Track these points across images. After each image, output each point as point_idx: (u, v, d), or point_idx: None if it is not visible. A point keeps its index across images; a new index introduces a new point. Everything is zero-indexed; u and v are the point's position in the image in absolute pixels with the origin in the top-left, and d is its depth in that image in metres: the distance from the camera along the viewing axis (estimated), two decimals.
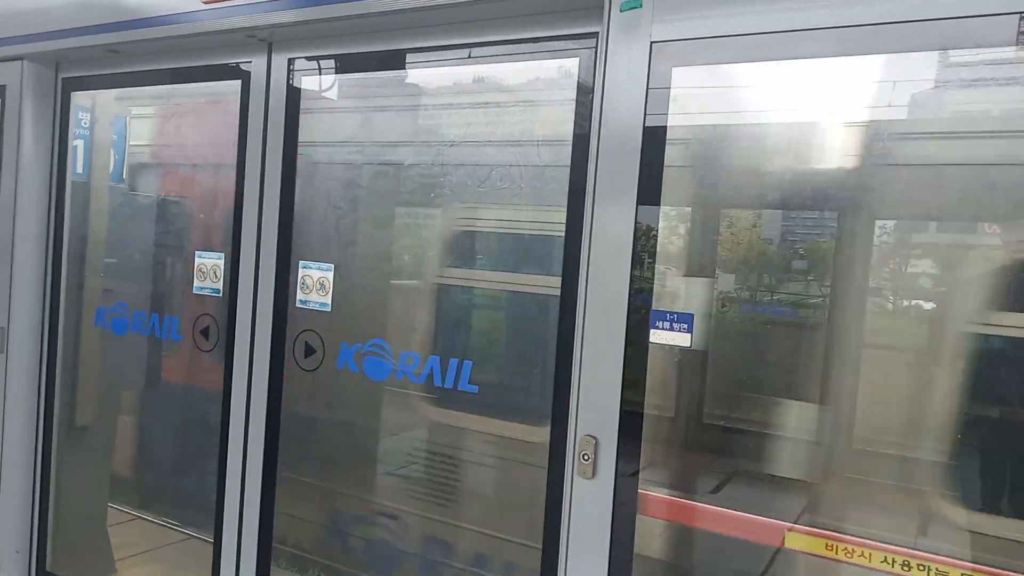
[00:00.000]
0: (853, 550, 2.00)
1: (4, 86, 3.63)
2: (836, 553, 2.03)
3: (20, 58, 3.55)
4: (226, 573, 3.07)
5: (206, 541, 3.29)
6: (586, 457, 2.19)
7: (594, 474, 2.19)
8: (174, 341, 3.40)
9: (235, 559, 3.04)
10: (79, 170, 3.72)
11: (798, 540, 2.13)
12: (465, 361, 2.63)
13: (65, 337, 3.67)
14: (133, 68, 3.39)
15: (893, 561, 1.94)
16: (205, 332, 3.22)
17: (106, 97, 3.76)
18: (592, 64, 2.28)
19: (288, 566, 3.14)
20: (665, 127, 2.11)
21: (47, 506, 3.68)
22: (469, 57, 2.58)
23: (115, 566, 3.92)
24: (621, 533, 2.18)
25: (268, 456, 2.99)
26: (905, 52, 1.88)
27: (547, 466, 2.38)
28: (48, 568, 3.68)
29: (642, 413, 2.16)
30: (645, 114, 2.12)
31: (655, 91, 2.12)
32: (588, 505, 2.21)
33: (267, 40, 2.93)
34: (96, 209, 3.78)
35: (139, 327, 3.49)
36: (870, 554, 1.96)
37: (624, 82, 2.15)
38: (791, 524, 2.16)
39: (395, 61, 2.77)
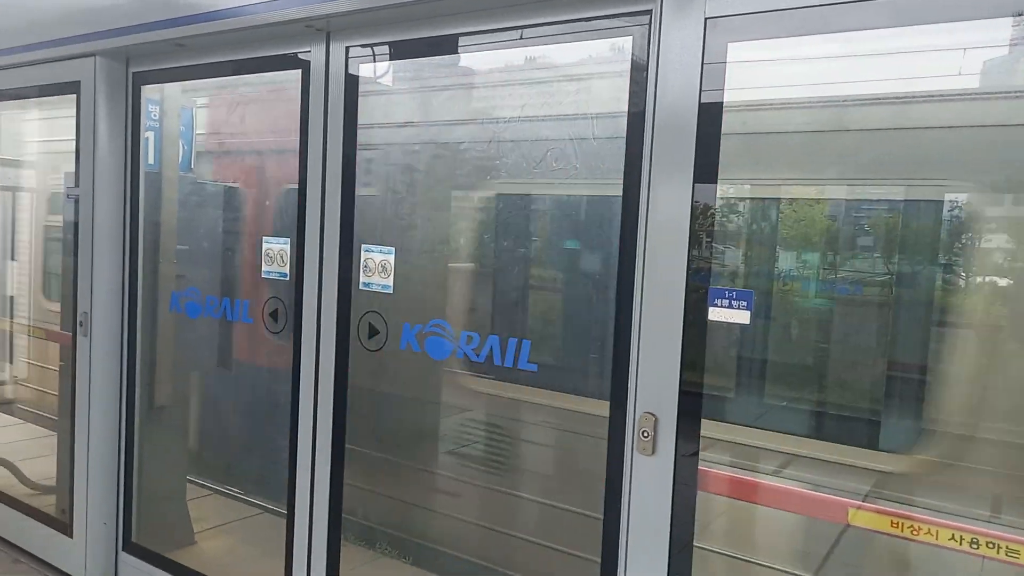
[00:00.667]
0: (919, 527, 1.98)
1: (79, 82, 3.80)
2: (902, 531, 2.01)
3: (93, 54, 3.70)
4: (299, 545, 3.20)
5: (279, 515, 3.44)
6: (645, 434, 2.21)
7: (654, 451, 2.21)
8: (246, 324, 3.53)
9: (307, 532, 3.17)
10: (151, 161, 3.88)
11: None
12: (524, 341, 2.67)
13: (143, 321, 3.86)
14: (198, 61, 3.50)
15: (961, 539, 1.91)
16: (274, 315, 3.34)
17: (173, 89, 3.90)
18: (646, 42, 2.26)
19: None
20: (721, 103, 2.09)
21: (131, 481, 3.89)
22: (521, 38, 2.59)
23: (194, 538, 4.13)
24: (682, 509, 2.20)
25: (336, 433, 3.09)
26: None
27: (607, 442, 2.40)
28: (134, 539, 3.90)
29: (702, 392, 2.16)
30: (701, 90, 2.10)
31: (710, 66, 2.10)
32: (648, 482, 2.23)
33: (324, 29, 2.98)
34: (167, 198, 3.94)
35: (211, 311, 3.64)
36: (937, 531, 1.94)
37: (679, 59, 2.14)
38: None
39: (449, 46, 2.80)
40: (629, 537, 2.29)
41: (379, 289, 3.00)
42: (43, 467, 4.51)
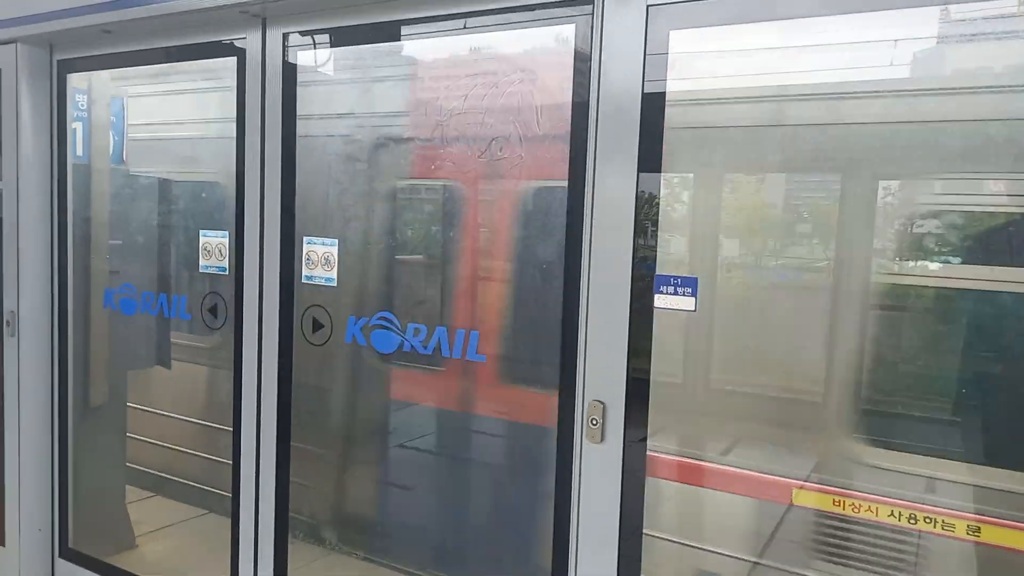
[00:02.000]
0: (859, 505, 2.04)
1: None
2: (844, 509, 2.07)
3: (14, 41, 3.52)
4: (244, 544, 3.14)
5: (223, 516, 3.36)
6: (594, 422, 2.23)
7: (603, 439, 2.23)
8: (183, 320, 3.43)
9: (253, 530, 3.11)
10: (79, 152, 3.72)
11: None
12: (472, 332, 2.66)
13: (75, 319, 3.71)
14: (127, 48, 3.37)
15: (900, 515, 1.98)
16: (213, 310, 3.25)
17: (102, 78, 3.74)
18: (589, 30, 2.26)
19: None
20: (664, 92, 2.10)
21: (67, 485, 3.75)
22: (464, 27, 2.56)
23: (135, 542, 4.01)
24: (631, 496, 2.22)
25: (281, 430, 3.03)
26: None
27: (556, 431, 2.41)
28: (71, 545, 3.76)
29: (648, 379, 2.18)
30: (644, 80, 2.11)
31: (653, 56, 2.11)
32: (597, 469, 2.25)
33: (260, 15, 2.90)
34: (98, 191, 3.79)
35: (147, 307, 3.52)
36: (876, 508, 2.00)
37: (621, 48, 2.14)
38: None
39: (389, 33, 2.76)
40: (580, 524, 2.30)
41: (323, 282, 2.95)
42: None
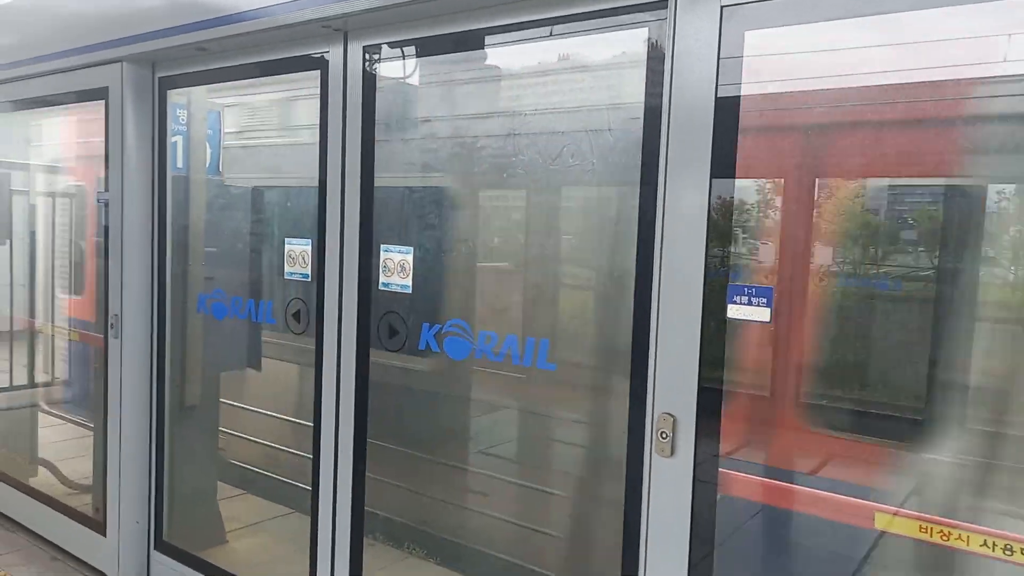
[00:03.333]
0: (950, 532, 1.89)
1: (107, 87, 3.86)
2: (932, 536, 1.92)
3: (119, 60, 3.76)
4: (323, 544, 3.21)
5: (307, 515, 3.46)
6: (664, 435, 2.16)
7: (673, 452, 2.16)
8: (269, 324, 3.56)
9: (331, 531, 3.18)
10: (178, 164, 3.93)
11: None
12: (543, 340, 2.63)
13: (172, 322, 3.91)
14: (220, 64, 3.53)
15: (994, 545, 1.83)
16: (296, 315, 3.36)
17: (200, 93, 3.94)
18: (662, 34, 2.21)
19: None
20: (738, 95, 2.03)
21: (162, 481, 3.95)
22: (535, 35, 2.55)
23: (225, 537, 4.17)
24: (702, 512, 2.14)
25: (358, 433, 3.09)
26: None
27: (627, 443, 2.36)
28: (165, 538, 3.95)
29: (722, 390, 2.10)
30: (717, 82, 2.04)
31: (727, 58, 2.04)
32: (667, 484, 2.18)
33: (342, 29, 2.98)
34: (195, 201, 3.99)
35: (236, 312, 3.67)
36: (968, 536, 1.85)
37: (695, 50, 2.08)
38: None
39: (467, 42, 2.78)
40: (649, 539, 2.24)
41: (398, 289, 2.99)
42: (81, 466, 4.61)
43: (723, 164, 2.05)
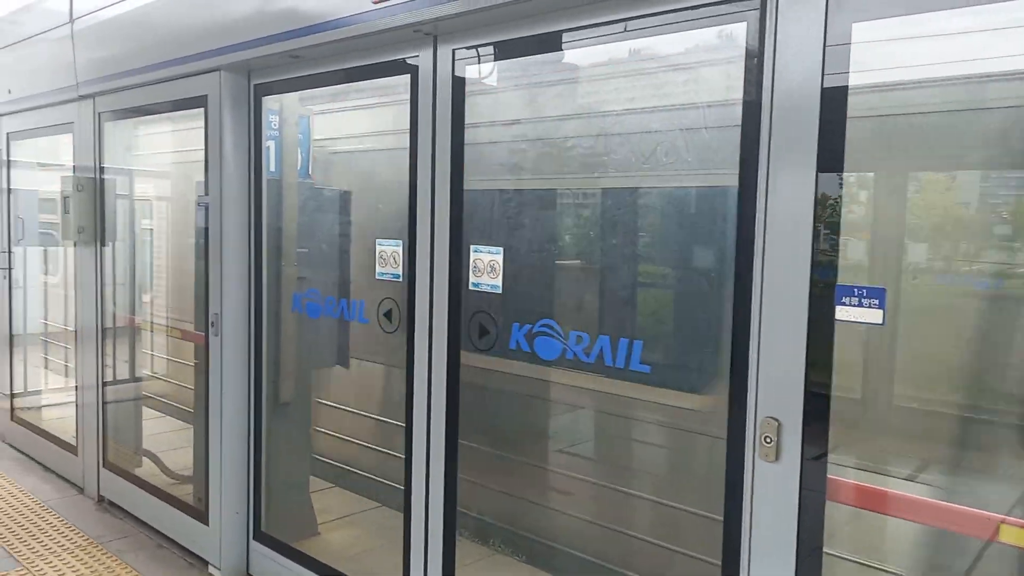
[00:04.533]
0: None
1: (205, 96, 4.03)
2: None
3: (218, 69, 3.91)
4: (416, 541, 3.27)
5: (398, 510, 3.53)
6: (768, 440, 2.11)
7: (778, 457, 2.10)
8: (361, 323, 3.65)
9: (423, 528, 3.23)
10: (272, 168, 4.06)
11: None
12: (635, 341, 2.61)
13: (268, 321, 4.05)
14: (313, 71, 3.63)
15: None
16: (388, 315, 3.43)
17: (291, 99, 4.07)
18: (761, 27, 2.15)
19: None
20: (846, 87, 1.95)
21: (260, 474, 4.10)
22: (627, 31, 2.52)
23: (318, 529, 4.31)
24: (809, 519, 2.08)
25: (450, 432, 3.13)
26: None
27: (726, 446, 2.31)
28: (263, 529, 4.11)
29: (829, 395, 2.03)
30: (823, 74, 1.97)
31: (833, 49, 1.97)
32: (771, 489, 2.12)
33: (432, 33, 3.02)
34: (288, 203, 4.12)
35: (330, 311, 3.77)
36: None
37: (798, 43, 2.01)
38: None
39: (554, 42, 2.77)
40: (752, 545, 2.19)
41: (488, 289, 3.01)
42: (182, 458, 4.84)
43: (830, 158, 1.98)
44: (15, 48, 5.81)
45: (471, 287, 3.06)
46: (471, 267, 3.04)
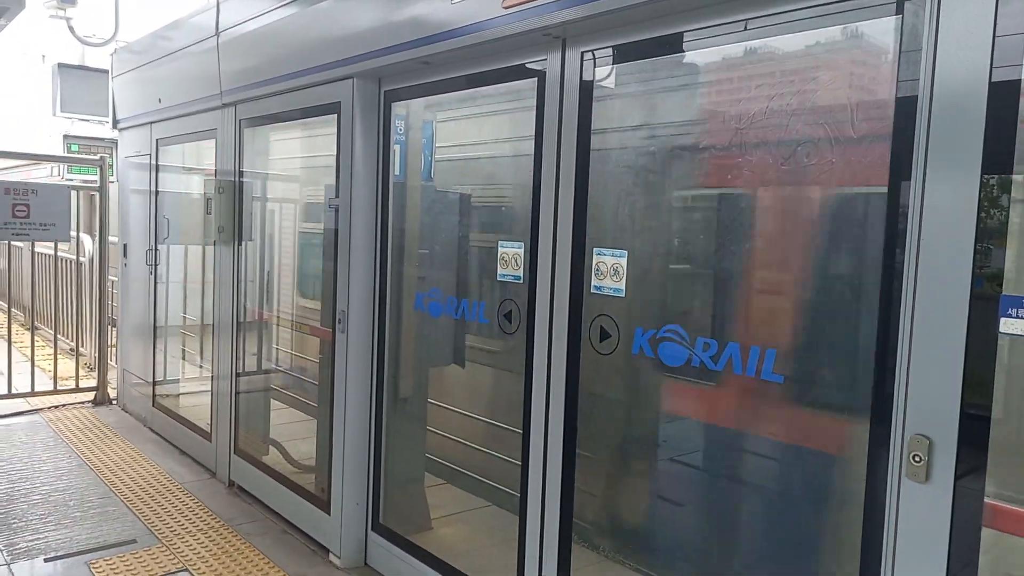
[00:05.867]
0: None
1: (339, 102, 4.20)
2: None
3: (351, 77, 4.08)
4: (531, 543, 3.27)
5: (506, 509, 3.54)
6: (917, 459, 1.98)
7: (928, 478, 1.96)
8: (482, 324, 3.70)
9: (539, 531, 3.23)
10: (397, 172, 4.19)
11: None
12: (768, 349, 2.51)
13: (391, 319, 4.18)
14: (439, 76, 3.72)
15: None
16: (508, 316, 3.46)
17: (417, 105, 4.18)
18: (918, 20, 2.02)
19: None
20: (1019, 81, 1.81)
21: (380, 467, 4.23)
22: (769, 28, 2.44)
23: (431, 524, 4.40)
24: (962, 545, 1.93)
25: (568, 436, 3.12)
26: None
27: (866, 463, 2.19)
28: (381, 521, 4.23)
29: (989, 415, 1.88)
30: (992, 67, 1.84)
31: (1004, 39, 1.83)
32: (920, 511, 1.99)
33: (561, 36, 3.03)
34: (411, 205, 4.24)
35: (451, 311, 3.85)
36: None
37: (962, 35, 1.88)
38: None
39: (687, 43, 2.72)
40: (896, 566, 2.05)
41: (611, 293, 2.98)
42: (303, 447, 5.07)
43: (998, 157, 1.83)
44: (165, 61, 6.28)
45: (593, 290, 3.04)
46: (594, 269, 3.02)
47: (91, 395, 7.67)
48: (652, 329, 2.89)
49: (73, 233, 8.36)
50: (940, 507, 1.95)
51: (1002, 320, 1.84)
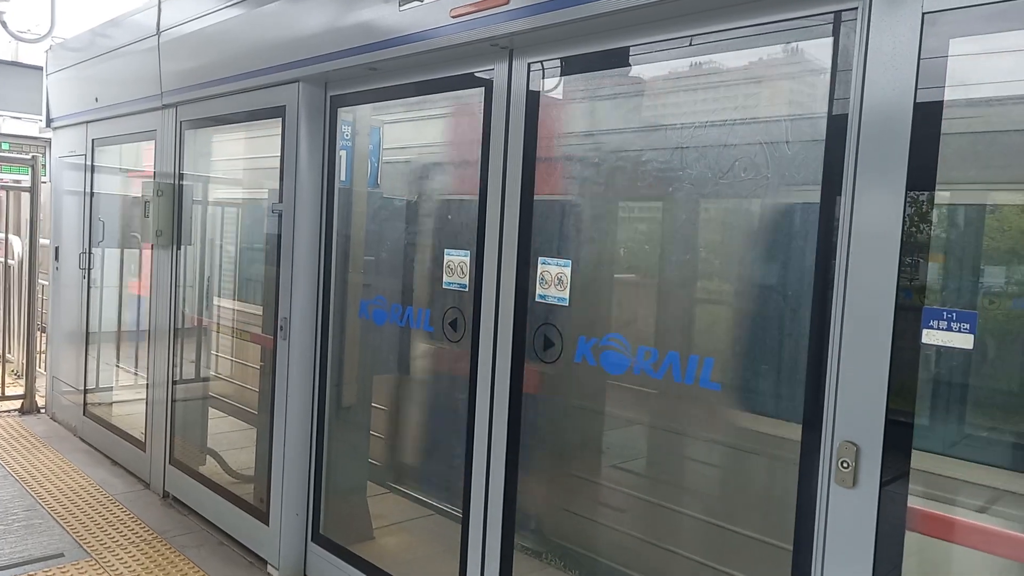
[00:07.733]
0: None
1: (284, 106, 4.15)
2: None
3: (297, 81, 4.03)
4: (472, 549, 3.27)
5: (450, 518, 3.51)
6: (845, 465, 2.05)
7: (855, 483, 2.04)
8: (426, 332, 3.69)
9: (481, 537, 3.23)
10: (343, 177, 4.15)
11: None
12: (706, 358, 2.57)
13: (334, 327, 4.12)
14: (387, 83, 3.71)
15: None
16: (453, 324, 3.45)
17: (364, 110, 4.16)
18: (849, 42, 2.11)
19: None
20: (940, 102, 1.90)
21: (321, 476, 4.16)
22: (710, 45, 2.51)
23: (373, 534, 4.34)
24: (887, 548, 2.01)
25: (511, 441, 3.13)
26: None
27: (798, 469, 2.25)
28: (321, 531, 4.16)
29: (912, 422, 1.97)
30: (916, 90, 1.93)
31: (928, 63, 1.92)
32: (847, 516, 2.06)
33: (508, 47, 3.05)
34: (357, 212, 4.21)
35: (396, 318, 3.82)
36: None
37: (890, 57, 1.97)
38: None
39: (630, 57, 2.77)
40: (824, 573, 2.12)
41: (555, 302, 3.01)
42: (243, 458, 4.95)
43: (922, 174, 1.92)
44: (104, 59, 6.10)
45: (538, 299, 3.06)
46: (538, 279, 3.05)
47: (18, 403, 7.36)
48: (595, 338, 2.93)
49: (1, 235, 8.05)
50: (866, 511, 2.03)
51: (924, 331, 1.93)
